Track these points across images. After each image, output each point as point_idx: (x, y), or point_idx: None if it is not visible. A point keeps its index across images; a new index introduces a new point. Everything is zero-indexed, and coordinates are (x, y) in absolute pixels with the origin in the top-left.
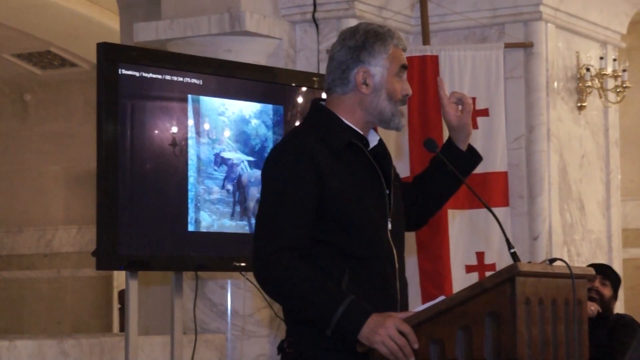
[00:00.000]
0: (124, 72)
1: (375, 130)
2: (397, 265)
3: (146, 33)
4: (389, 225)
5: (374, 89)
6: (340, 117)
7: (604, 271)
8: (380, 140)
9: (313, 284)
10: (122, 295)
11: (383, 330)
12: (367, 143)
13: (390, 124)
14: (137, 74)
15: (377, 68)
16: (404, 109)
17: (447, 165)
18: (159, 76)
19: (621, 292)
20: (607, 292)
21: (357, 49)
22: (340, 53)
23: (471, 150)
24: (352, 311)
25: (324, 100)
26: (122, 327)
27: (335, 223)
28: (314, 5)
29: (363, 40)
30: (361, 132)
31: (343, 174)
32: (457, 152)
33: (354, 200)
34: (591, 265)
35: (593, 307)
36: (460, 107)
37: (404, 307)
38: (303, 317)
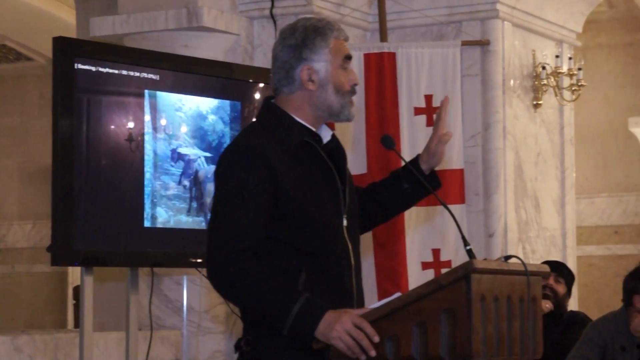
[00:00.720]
0: (80, 66)
1: (331, 126)
2: (353, 262)
3: (103, 27)
4: (344, 222)
5: (320, 84)
6: (291, 115)
7: (558, 268)
8: (334, 136)
9: (267, 285)
10: (77, 291)
11: (339, 325)
12: (320, 140)
13: (340, 116)
14: (93, 68)
15: (321, 63)
16: (355, 99)
17: (413, 173)
18: (116, 71)
19: (575, 290)
20: (561, 289)
21: (297, 47)
22: (282, 53)
23: (432, 175)
24: (308, 309)
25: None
26: (77, 323)
27: (291, 221)
28: (272, 1)
29: (303, 38)
30: (313, 129)
31: (296, 171)
32: (419, 172)
33: (309, 198)
34: (545, 262)
35: (547, 305)
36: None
37: (360, 303)
38: (259, 318)
